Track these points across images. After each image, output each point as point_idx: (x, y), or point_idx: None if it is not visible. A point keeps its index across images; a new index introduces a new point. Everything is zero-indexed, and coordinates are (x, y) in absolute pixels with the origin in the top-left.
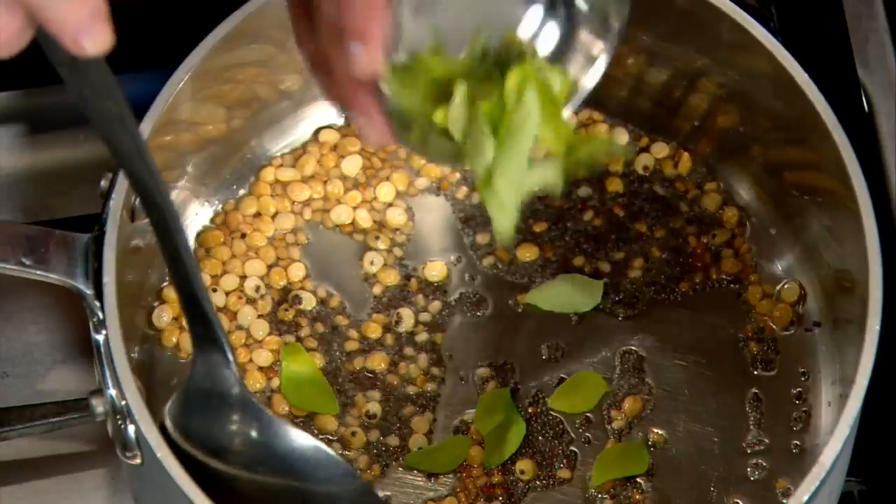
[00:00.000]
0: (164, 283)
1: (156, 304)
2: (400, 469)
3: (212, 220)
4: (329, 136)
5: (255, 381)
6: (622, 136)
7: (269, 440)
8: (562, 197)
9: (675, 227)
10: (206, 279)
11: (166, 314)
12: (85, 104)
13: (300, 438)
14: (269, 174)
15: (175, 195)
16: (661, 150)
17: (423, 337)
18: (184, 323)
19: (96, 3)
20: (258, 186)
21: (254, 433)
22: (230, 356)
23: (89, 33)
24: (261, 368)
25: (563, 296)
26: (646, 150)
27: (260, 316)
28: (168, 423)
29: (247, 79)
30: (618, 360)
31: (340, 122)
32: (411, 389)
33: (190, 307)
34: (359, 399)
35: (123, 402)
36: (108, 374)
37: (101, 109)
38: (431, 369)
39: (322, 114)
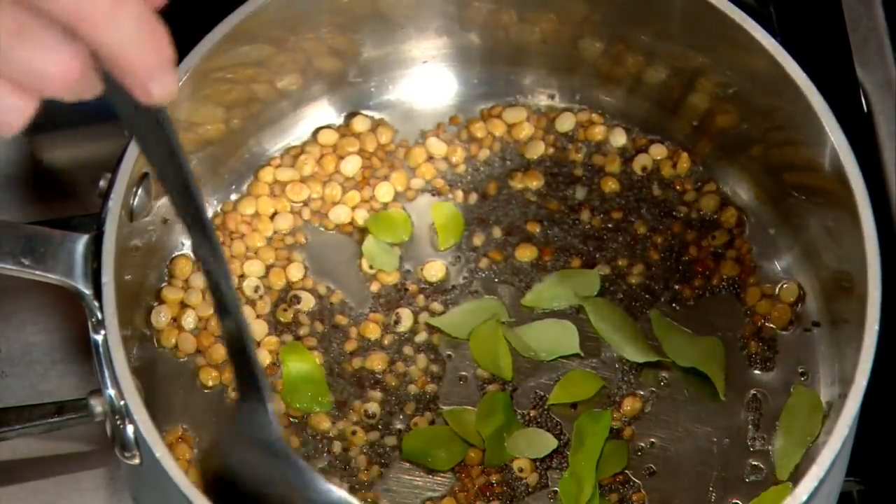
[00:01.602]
0: (163, 284)
1: (154, 304)
2: (399, 469)
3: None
4: (328, 137)
5: None
6: (620, 137)
7: (302, 492)
8: (559, 198)
9: (674, 229)
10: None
11: (165, 314)
12: (139, 140)
13: (333, 493)
14: (267, 174)
15: None
16: (659, 150)
17: (422, 337)
18: (182, 323)
19: (167, 52)
20: (257, 187)
21: (288, 482)
22: (268, 406)
23: (158, 81)
24: None
25: (563, 292)
26: (644, 150)
27: (259, 316)
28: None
29: (245, 79)
30: (617, 360)
31: (339, 122)
32: (411, 389)
33: (237, 354)
34: (358, 399)
35: (122, 403)
36: (106, 374)
37: (152, 144)
38: (431, 367)
39: (321, 114)
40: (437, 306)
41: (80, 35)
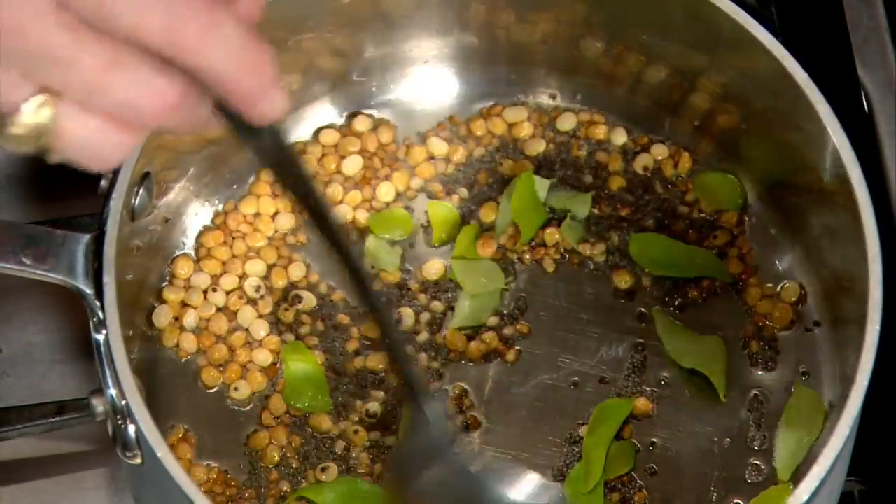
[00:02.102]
0: (164, 283)
1: (156, 304)
2: None
3: (212, 220)
4: (329, 137)
5: (256, 383)
6: (621, 136)
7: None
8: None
9: (676, 228)
10: (206, 279)
11: (166, 314)
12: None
13: None
14: (269, 174)
15: (175, 195)
16: (660, 150)
17: (423, 337)
18: (184, 322)
19: (269, 69)
20: (258, 186)
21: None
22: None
23: (264, 101)
24: (262, 369)
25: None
26: (646, 149)
27: (260, 316)
28: None
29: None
30: (620, 360)
31: (341, 121)
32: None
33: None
34: (359, 399)
35: (124, 402)
36: (108, 373)
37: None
38: (431, 364)
39: (322, 114)
40: (437, 305)
41: (176, 62)
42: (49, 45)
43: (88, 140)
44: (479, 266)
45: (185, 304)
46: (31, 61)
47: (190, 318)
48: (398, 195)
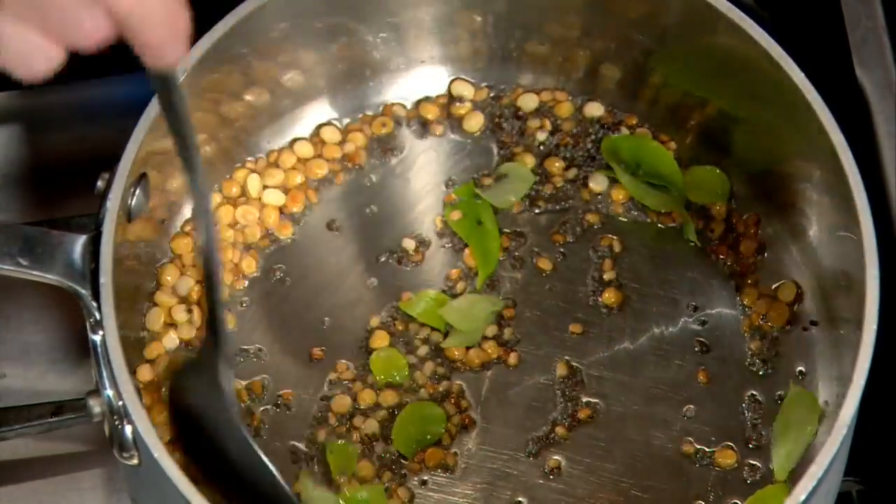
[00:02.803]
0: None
1: (151, 305)
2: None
3: (181, 228)
4: (329, 135)
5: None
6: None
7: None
8: (557, 200)
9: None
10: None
11: (161, 316)
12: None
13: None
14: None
15: (179, 193)
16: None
17: (424, 350)
18: (176, 322)
19: (181, 23)
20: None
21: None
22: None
23: (169, 51)
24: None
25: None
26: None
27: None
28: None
29: (244, 79)
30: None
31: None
32: (423, 393)
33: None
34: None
35: (120, 403)
36: (104, 374)
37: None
38: (437, 369)
39: (322, 113)
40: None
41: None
42: None
43: (20, 51)
44: (468, 306)
45: (180, 300)
46: None
47: (172, 337)
48: None
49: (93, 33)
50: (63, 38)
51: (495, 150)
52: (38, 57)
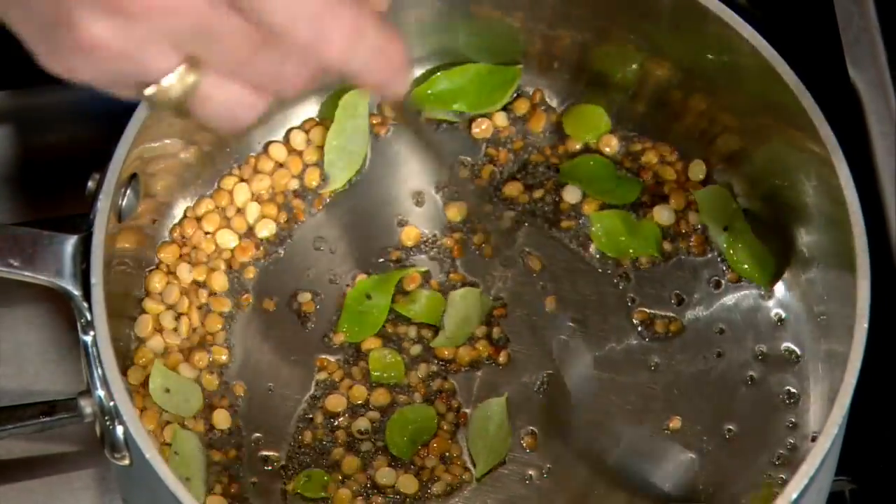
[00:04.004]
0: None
1: (140, 312)
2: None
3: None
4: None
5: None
6: (613, 142)
7: None
8: (550, 200)
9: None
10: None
11: (150, 323)
12: None
13: None
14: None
15: (169, 194)
16: (654, 154)
17: (417, 350)
18: (164, 325)
19: (401, 59)
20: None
21: None
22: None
23: (394, 85)
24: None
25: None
26: (641, 154)
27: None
28: None
29: None
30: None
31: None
32: (416, 397)
33: None
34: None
35: (112, 403)
36: (96, 374)
37: None
38: (430, 368)
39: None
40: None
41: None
42: (203, 24)
43: (225, 104)
44: (459, 303)
45: (167, 307)
46: (182, 36)
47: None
48: None
49: (297, 82)
50: (272, 91)
51: None
52: (242, 108)
